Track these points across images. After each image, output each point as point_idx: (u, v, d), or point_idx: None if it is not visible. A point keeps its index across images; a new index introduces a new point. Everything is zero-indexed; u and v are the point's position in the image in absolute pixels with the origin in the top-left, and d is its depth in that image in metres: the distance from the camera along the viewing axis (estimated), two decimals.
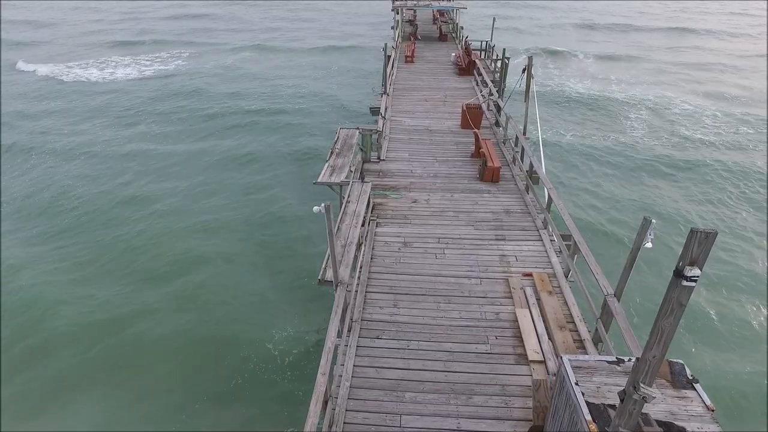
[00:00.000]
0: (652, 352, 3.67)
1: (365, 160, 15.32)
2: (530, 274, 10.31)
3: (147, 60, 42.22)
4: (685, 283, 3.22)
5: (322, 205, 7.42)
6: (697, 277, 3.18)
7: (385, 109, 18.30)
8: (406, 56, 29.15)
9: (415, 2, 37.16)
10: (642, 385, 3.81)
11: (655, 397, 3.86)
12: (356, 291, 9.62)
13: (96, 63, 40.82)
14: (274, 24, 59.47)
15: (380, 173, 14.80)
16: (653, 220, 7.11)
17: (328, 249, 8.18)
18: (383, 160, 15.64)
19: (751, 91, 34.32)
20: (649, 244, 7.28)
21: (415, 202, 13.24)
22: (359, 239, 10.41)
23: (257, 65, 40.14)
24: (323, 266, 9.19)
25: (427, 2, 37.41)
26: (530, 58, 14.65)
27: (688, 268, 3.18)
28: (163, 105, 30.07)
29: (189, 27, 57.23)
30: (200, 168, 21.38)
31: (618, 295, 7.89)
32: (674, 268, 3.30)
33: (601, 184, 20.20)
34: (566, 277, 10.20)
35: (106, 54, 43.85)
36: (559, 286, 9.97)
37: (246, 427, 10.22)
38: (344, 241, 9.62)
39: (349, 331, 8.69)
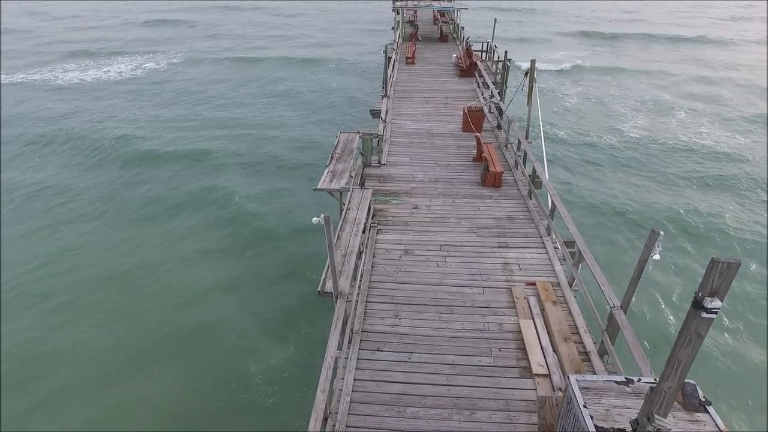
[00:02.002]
0: (667, 383, 3.49)
1: (366, 165, 15.14)
2: (534, 283, 10.12)
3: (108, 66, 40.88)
4: (704, 315, 3.04)
5: (322, 216, 7.24)
6: (718, 308, 3.01)
7: (386, 112, 18.12)
8: (407, 57, 28.96)
9: (415, 2, 36.98)
10: (657, 416, 3.63)
11: (670, 429, 3.68)
12: (356, 301, 9.44)
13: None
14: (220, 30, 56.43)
15: (381, 178, 14.61)
16: (661, 232, 6.92)
17: (328, 260, 8.01)
18: (384, 164, 15.45)
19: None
20: (656, 256, 7.10)
21: (416, 208, 13.06)
22: (360, 247, 10.22)
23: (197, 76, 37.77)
24: (323, 277, 9.01)
25: (428, 2, 37.22)
26: (533, 61, 14.46)
27: (708, 299, 3.00)
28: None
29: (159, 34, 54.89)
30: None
31: (624, 307, 7.70)
32: (693, 299, 3.12)
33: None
34: (570, 286, 10.01)
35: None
36: (563, 296, 9.79)
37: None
38: (344, 251, 9.44)
39: (349, 343, 8.51)
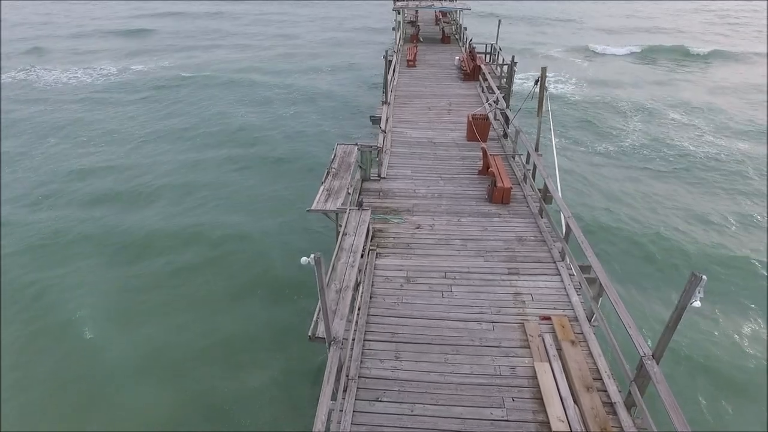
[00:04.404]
0: None
1: (365, 179, 14.20)
2: (549, 318, 9.17)
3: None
4: None
5: (311, 256, 6.31)
6: None
7: (386, 120, 17.13)
8: (408, 60, 27.98)
9: (417, 3, 35.99)
10: None
11: None
12: (353, 340, 8.50)
13: None
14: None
15: (380, 193, 13.67)
16: (704, 277, 5.97)
17: (319, 302, 7.07)
18: (384, 177, 14.50)
19: None
20: (697, 303, 6.16)
21: (418, 227, 12.11)
22: (357, 278, 9.27)
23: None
24: (314, 318, 8.07)
25: (430, 2, 36.22)
26: (543, 69, 13.48)
27: None
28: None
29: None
30: None
31: (657, 357, 6.75)
32: None
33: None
34: (589, 321, 9.06)
35: None
36: (582, 333, 8.84)
37: None
38: (339, 285, 8.49)
39: (344, 391, 7.57)
